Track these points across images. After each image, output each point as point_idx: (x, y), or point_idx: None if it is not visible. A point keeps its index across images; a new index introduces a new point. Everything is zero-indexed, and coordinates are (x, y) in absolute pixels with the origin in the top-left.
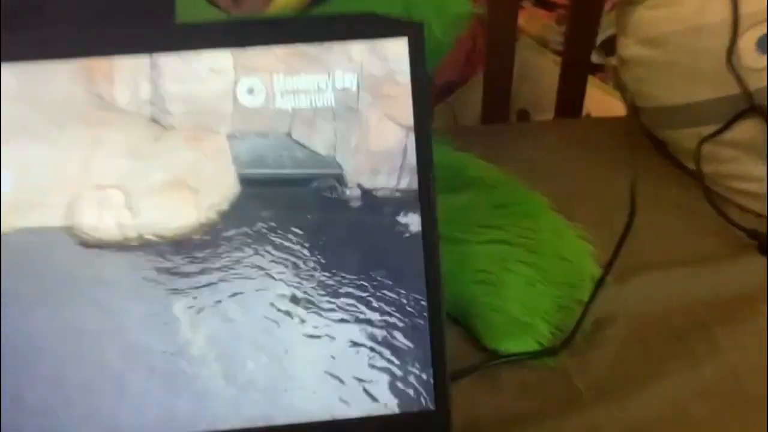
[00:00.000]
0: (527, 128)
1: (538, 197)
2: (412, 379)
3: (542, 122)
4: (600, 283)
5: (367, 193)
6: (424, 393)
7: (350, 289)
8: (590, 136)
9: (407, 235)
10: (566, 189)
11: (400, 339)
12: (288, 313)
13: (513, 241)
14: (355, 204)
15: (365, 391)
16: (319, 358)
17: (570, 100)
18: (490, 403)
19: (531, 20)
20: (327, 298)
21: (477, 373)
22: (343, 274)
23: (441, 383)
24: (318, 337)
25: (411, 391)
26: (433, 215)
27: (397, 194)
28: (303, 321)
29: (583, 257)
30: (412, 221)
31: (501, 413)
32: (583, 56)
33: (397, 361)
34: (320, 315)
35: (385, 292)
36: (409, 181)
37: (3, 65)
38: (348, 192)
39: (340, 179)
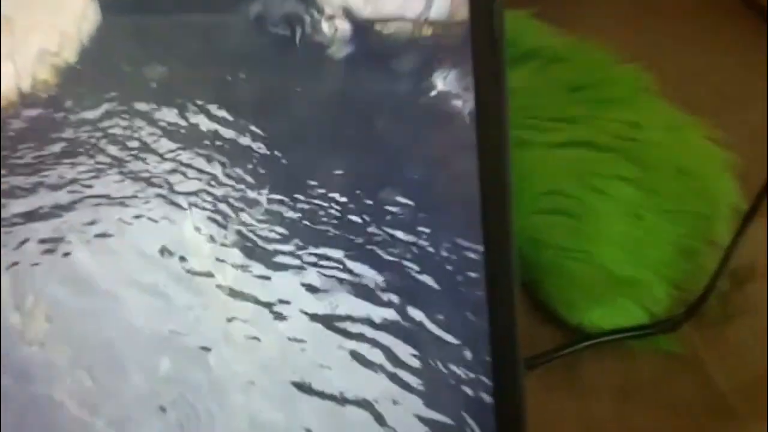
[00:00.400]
0: None
1: (636, 73)
2: (452, 399)
3: None
4: (750, 215)
5: (364, 31)
6: (474, 423)
7: (327, 229)
8: (674, 5)
9: (447, 118)
10: (660, 72)
11: (430, 326)
12: (206, 275)
13: (602, 142)
14: (340, 52)
15: (364, 420)
16: (267, 358)
17: None
18: (571, 410)
19: None
20: (278, 247)
21: (550, 364)
22: (313, 199)
23: (511, 407)
24: (262, 319)
25: (449, 419)
26: (502, 76)
27: (428, 33)
28: (233, 289)
29: (716, 171)
30: (458, 91)
31: (589, 429)
32: None
33: (423, 366)
34: (267, 277)
35: (399, 234)
36: (450, 3)
37: None
38: (325, 27)
39: None
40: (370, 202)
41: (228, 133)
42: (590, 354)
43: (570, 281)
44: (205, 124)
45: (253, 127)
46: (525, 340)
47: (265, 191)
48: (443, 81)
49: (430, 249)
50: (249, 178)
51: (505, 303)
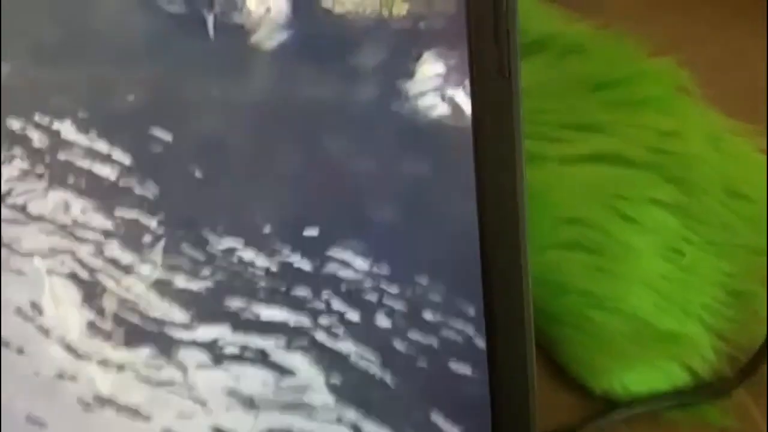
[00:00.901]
0: None
1: (671, 68)
2: None
3: None
4: None
5: (307, 8)
6: None
7: (249, 306)
8: None
9: (431, 133)
10: (693, 67)
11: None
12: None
13: (632, 156)
14: (273, 39)
15: None
16: None
17: None
18: None
19: None
20: (177, 333)
21: None
22: (229, 258)
23: None
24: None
25: None
26: (513, 67)
27: (402, 11)
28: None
29: None
30: (447, 92)
31: None
32: None
33: None
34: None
35: (358, 309)
36: None
37: None
38: (249, 2)
39: None
40: (316, 262)
41: (101, 160)
42: (622, 428)
43: (595, 336)
44: (65, 146)
45: (133, 153)
46: (541, 411)
47: (156, 250)
48: (425, 79)
49: (404, 324)
50: (128, 229)
51: (516, 373)
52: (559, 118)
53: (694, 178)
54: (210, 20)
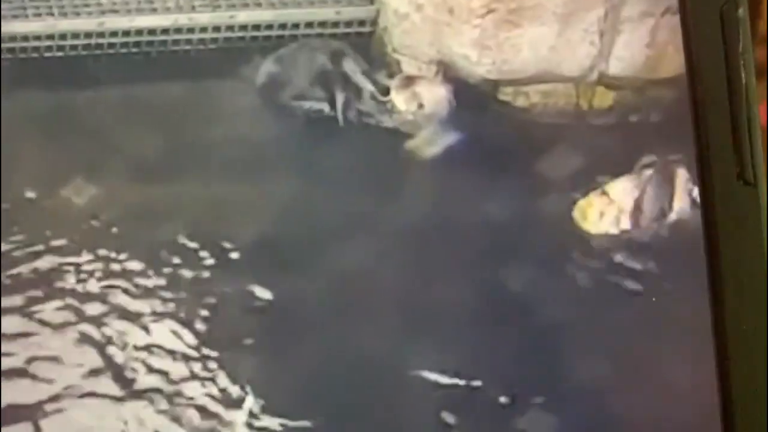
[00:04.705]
0: None
1: None
2: None
3: None
4: None
5: (479, 103)
6: None
7: None
8: None
9: (641, 248)
10: None
11: None
12: None
13: None
14: (431, 145)
15: None
16: None
17: None
18: None
19: None
20: None
21: None
22: None
23: None
24: None
25: None
26: (759, 166)
27: (606, 103)
28: None
29: None
30: (665, 199)
31: None
32: None
33: None
34: None
35: None
36: (647, 46)
37: None
38: (398, 101)
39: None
40: None
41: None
42: None
43: None
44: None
45: (257, 288)
46: None
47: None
48: (633, 187)
49: None
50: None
51: None
52: None
53: None
54: (339, 101)
